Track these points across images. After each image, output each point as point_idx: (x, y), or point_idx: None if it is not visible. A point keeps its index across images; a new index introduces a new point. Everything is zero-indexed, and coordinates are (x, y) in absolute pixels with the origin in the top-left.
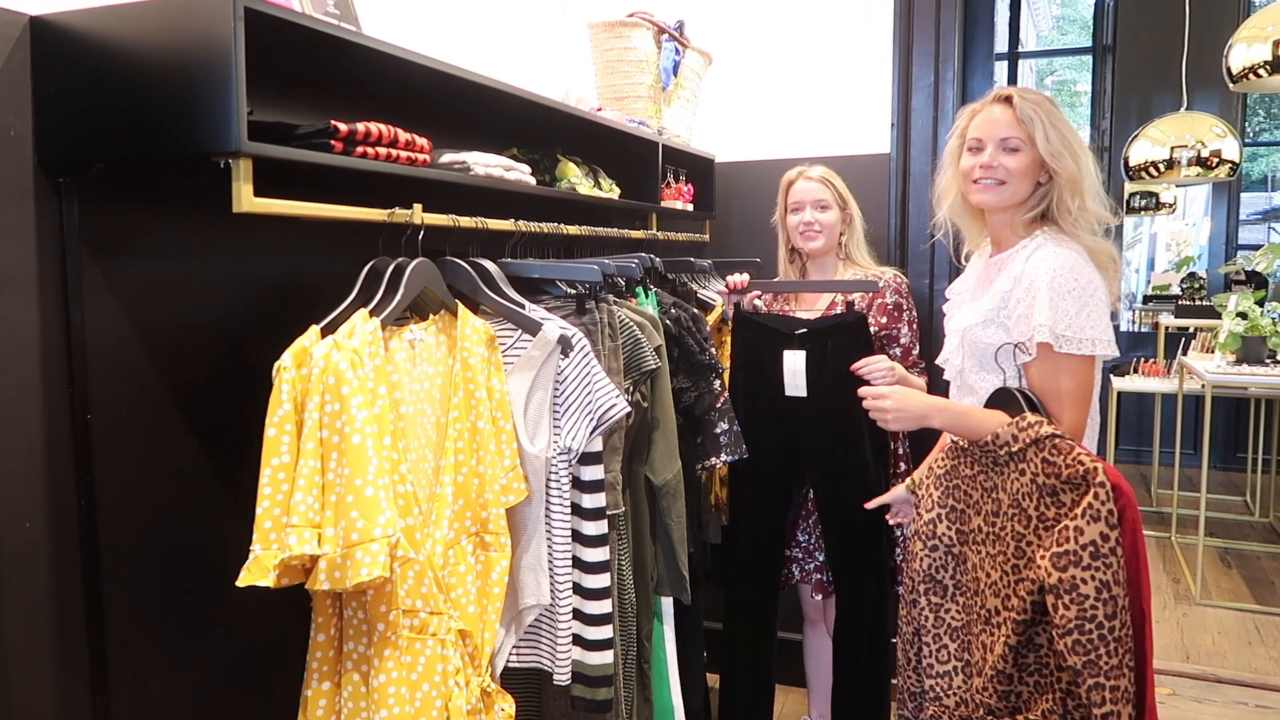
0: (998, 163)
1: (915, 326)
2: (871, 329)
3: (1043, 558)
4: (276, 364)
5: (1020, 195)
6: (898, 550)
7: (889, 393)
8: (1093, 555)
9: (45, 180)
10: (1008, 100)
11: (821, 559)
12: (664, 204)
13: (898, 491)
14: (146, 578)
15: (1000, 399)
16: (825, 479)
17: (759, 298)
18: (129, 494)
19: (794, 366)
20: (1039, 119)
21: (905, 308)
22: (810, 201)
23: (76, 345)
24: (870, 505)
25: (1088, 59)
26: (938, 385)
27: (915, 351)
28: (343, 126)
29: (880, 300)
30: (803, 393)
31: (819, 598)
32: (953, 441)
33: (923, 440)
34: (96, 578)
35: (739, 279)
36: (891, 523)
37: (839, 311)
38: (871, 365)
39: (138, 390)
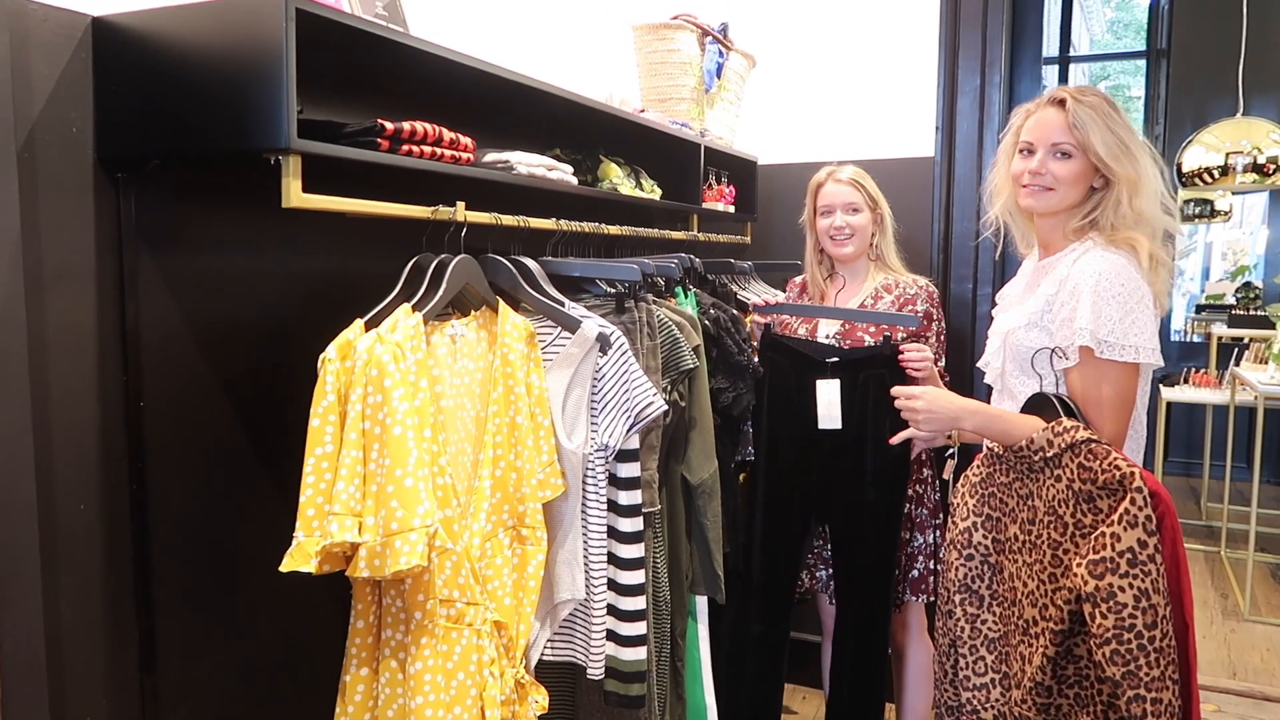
0: (1046, 169)
1: (943, 339)
2: (900, 334)
3: (1079, 565)
4: (321, 356)
5: (1070, 201)
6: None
7: (921, 393)
8: (1130, 562)
9: (104, 176)
10: (1061, 103)
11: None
12: (705, 205)
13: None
14: (194, 561)
15: (1036, 404)
16: (844, 512)
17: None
18: (178, 480)
19: (829, 398)
20: (1094, 123)
21: (935, 317)
22: (841, 205)
23: (131, 335)
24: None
25: (1141, 63)
26: (973, 392)
27: (941, 363)
28: (389, 125)
29: (910, 307)
30: (837, 425)
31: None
32: (988, 448)
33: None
34: (146, 560)
35: (769, 298)
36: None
37: (872, 343)
38: (912, 354)
39: (188, 380)
